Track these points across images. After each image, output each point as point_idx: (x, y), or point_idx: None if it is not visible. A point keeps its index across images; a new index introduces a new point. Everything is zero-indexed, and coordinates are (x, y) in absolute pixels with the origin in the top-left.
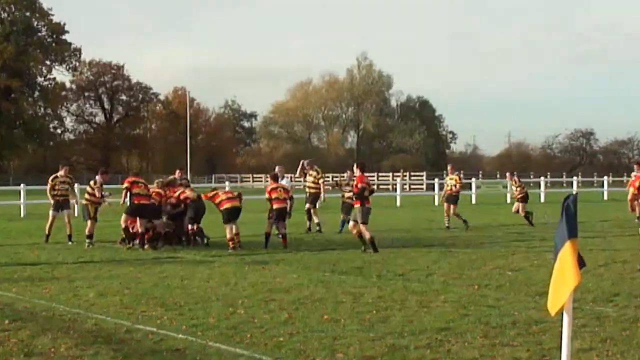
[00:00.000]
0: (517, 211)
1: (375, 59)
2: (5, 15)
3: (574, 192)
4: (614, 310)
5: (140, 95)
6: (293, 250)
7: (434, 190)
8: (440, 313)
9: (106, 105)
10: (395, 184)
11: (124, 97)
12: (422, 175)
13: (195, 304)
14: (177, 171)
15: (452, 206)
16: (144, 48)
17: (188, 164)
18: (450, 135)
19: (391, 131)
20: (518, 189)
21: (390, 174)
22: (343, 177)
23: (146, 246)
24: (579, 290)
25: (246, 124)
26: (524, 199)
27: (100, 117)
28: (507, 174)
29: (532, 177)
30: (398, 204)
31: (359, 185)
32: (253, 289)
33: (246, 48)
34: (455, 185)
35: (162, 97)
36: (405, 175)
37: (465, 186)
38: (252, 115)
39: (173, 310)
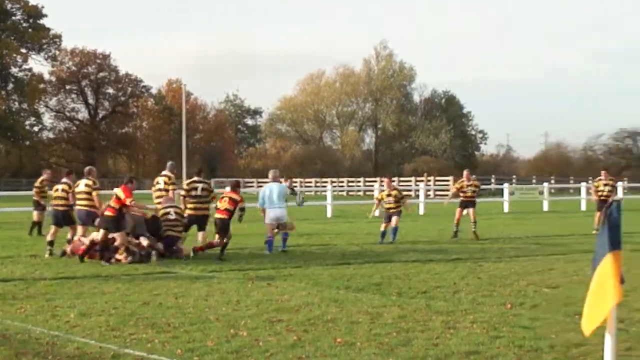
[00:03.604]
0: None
1: (396, 48)
2: None
3: (619, 199)
4: None
5: (130, 89)
6: (302, 264)
7: None
8: (469, 335)
9: (90, 100)
10: (419, 190)
11: (110, 91)
12: (449, 180)
13: (192, 325)
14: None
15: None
16: (133, 35)
17: (184, 167)
18: (480, 135)
19: (413, 130)
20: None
21: (413, 179)
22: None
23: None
24: (625, 310)
25: (250, 122)
26: None
27: (83, 114)
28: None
29: (572, 182)
30: (422, 212)
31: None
32: (257, 308)
33: (249, 35)
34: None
35: (154, 91)
36: (430, 180)
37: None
38: (257, 112)
39: (166, 333)
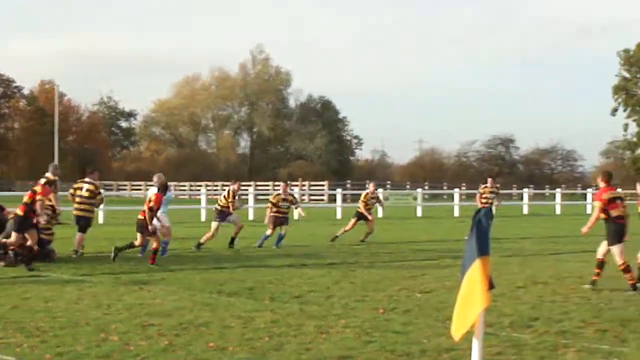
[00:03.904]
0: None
1: (272, 52)
2: None
3: (487, 205)
4: (532, 336)
5: (1, 89)
6: (175, 268)
7: (336, 201)
8: (341, 340)
9: None
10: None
11: None
12: (324, 185)
13: (62, 329)
14: None
15: None
16: (4, 34)
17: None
18: (356, 141)
19: (289, 135)
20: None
21: (288, 183)
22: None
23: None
24: (495, 315)
25: (124, 124)
26: None
27: None
28: None
29: (445, 188)
30: (295, 216)
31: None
32: (129, 312)
33: (124, 37)
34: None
35: (26, 92)
36: (305, 185)
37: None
38: (131, 115)
39: (35, 337)
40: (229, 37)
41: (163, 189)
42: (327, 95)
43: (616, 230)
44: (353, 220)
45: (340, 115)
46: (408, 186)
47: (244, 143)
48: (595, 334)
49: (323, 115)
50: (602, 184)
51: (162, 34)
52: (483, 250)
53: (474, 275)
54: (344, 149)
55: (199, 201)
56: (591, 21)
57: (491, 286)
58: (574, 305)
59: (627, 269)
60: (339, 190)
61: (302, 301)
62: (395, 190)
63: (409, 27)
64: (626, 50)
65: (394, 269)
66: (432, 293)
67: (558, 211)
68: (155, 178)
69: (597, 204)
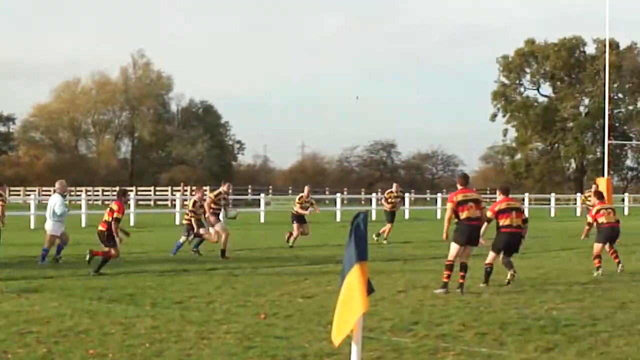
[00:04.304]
0: None
1: (154, 57)
2: None
3: (367, 210)
4: (412, 340)
5: None
6: (55, 275)
7: None
8: (222, 345)
9: None
10: (175, 200)
11: None
12: (206, 190)
13: None
14: None
15: None
16: None
17: None
18: (238, 146)
19: (171, 140)
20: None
21: (169, 189)
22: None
23: None
24: (375, 319)
25: (2, 129)
26: None
27: None
28: None
29: (327, 192)
30: (177, 221)
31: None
32: (6, 319)
33: (2, 40)
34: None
35: None
36: (187, 190)
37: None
38: (9, 119)
39: None
40: (109, 42)
41: (123, 195)
42: (208, 100)
43: (463, 232)
44: (296, 225)
45: (222, 120)
46: (290, 191)
47: (125, 148)
48: (475, 337)
49: (205, 120)
50: (458, 186)
51: (41, 38)
52: (361, 255)
53: (353, 280)
54: (226, 154)
55: (79, 206)
56: (471, 27)
57: (370, 291)
58: (454, 308)
59: (449, 267)
60: None
61: (183, 307)
62: (277, 195)
63: (286, 30)
64: (505, 57)
65: (276, 274)
66: (314, 298)
67: (439, 216)
68: (57, 184)
69: (449, 205)
